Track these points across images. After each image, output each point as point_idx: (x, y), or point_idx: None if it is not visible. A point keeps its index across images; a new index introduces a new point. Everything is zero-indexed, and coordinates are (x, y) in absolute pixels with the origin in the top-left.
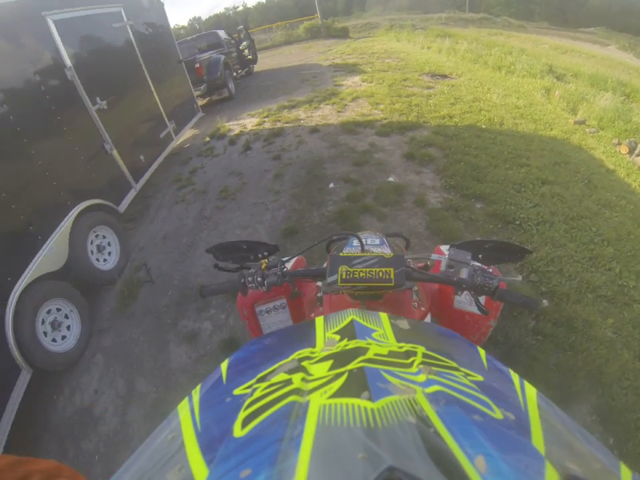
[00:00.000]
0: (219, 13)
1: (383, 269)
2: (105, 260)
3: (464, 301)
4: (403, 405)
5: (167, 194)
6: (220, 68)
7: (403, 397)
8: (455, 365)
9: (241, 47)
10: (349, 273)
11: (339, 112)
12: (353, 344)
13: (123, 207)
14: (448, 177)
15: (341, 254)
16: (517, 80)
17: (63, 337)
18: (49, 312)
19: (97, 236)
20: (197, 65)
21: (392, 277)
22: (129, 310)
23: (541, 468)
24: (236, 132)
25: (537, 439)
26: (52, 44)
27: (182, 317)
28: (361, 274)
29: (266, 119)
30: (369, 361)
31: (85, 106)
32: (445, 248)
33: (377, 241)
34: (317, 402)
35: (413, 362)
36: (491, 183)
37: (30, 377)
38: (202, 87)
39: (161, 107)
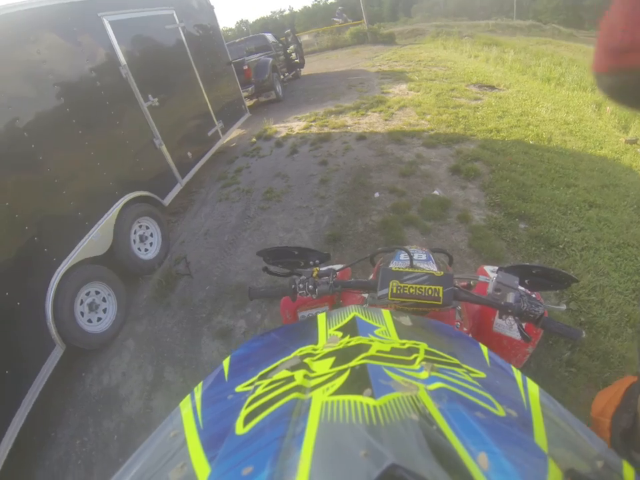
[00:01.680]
0: (265, 16)
1: (433, 287)
2: (146, 250)
3: (504, 325)
4: (406, 402)
5: (211, 191)
6: (268, 70)
7: (405, 394)
8: (457, 361)
9: (288, 51)
10: (399, 288)
11: (386, 120)
12: (355, 341)
13: (167, 200)
14: (493, 193)
15: (393, 268)
16: (566, 93)
17: (99, 319)
18: (88, 294)
19: (140, 226)
20: (246, 67)
21: (440, 295)
22: (165, 300)
23: (543, 465)
24: (283, 134)
25: (540, 436)
26: (107, 43)
27: (217, 313)
28: (411, 290)
29: (313, 123)
30: (371, 357)
31: (137, 102)
32: (489, 269)
33: (424, 257)
34: (319, 399)
35: (415, 359)
36: (536, 202)
37: (63, 352)
38: (250, 89)
39: (209, 106)
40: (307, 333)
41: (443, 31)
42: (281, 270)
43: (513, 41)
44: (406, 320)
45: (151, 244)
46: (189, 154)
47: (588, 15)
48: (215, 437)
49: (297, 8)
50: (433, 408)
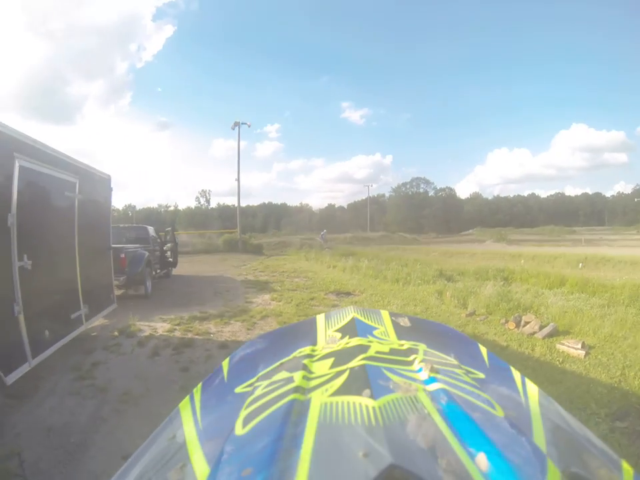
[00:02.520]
0: (151, 207)
1: None
2: None
3: None
4: (405, 402)
5: (61, 381)
6: (142, 264)
7: (404, 394)
8: (456, 362)
9: (165, 248)
10: None
11: (248, 329)
12: (354, 342)
13: (11, 378)
14: None
15: None
16: (413, 289)
17: None
18: None
19: None
20: (123, 255)
21: None
22: None
23: (542, 465)
24: (146, 334)
25: (539, 437)
26: (9, 185)
27: None
28: None
29: (177, 327)
30: (371, 358)
31: (11, 258)
32: None
33: None
34: (318, 400)
35: (414, 359)
36: None
37: None
38: (122, 278)
39: (79, 287)
40: (306, 333)
41: (307, 243)
42: None
43: (367, 250)
44: (405, 321)
45: None
46: (47, 333)
47: (427, 222)
48: (215, 438)
49: (181, 207)
50: (432, 408)
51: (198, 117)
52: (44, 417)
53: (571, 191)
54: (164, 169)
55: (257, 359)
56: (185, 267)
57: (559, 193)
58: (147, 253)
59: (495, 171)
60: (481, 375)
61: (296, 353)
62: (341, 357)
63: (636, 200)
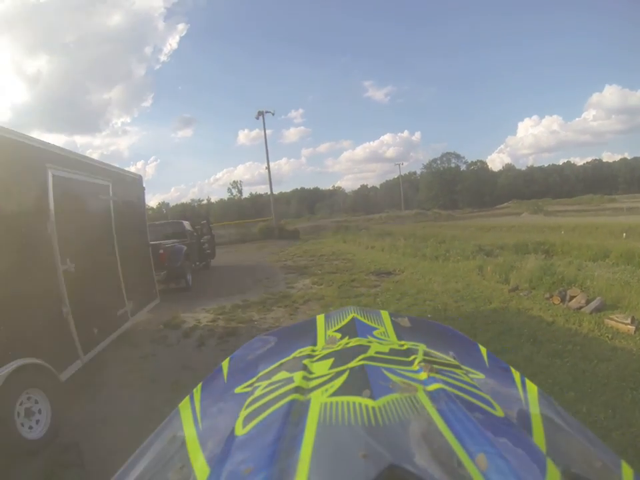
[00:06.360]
0: (185, 202)
1: None
2: (30, 427)
3: None
4: (404, 402)
5: (113, 374)
6: (181, 258)
7: (404, 395)
8: (456, 362)
9: (202, 240)
10: None
11: (290, 315)
12: (354, 342)
13: (65, 375)
14: None
15: None
16: (453, 265)
17: None
18: None
19: (28, 398)
20: (161, 251)
21: None
22: None
23: (542, 465)
24: (190, 325)
25: (538, 437)
26: (44, 195)
27: None
28: None
29: (220, 317)
30: (370, 358)
31: (54, 262)
32: None
33: None
34: (318, 400)
35: (414, 360)
36: None
37: None
38: (162, 274)
39: (122, 283)
40: (306, 334)
41: (343, 225)
42: None
43: (403, 229)
44: (405, 321)
45: (37, 421)
46: (96, 330)
47: (460, 197)
48: (214, 438)
49: (214, 199)
50: (431, 409)
51: (221, 110)
52: (99, 409)
53: (609, 157)
54: (193, 164)
55: (256, 359)
56: (223, 258)
57: (595, 159)
58: (184, 247)
59: (526, 140)
60: (481, 375)
61: (296, 353)
62: (340, 357)
63: None
